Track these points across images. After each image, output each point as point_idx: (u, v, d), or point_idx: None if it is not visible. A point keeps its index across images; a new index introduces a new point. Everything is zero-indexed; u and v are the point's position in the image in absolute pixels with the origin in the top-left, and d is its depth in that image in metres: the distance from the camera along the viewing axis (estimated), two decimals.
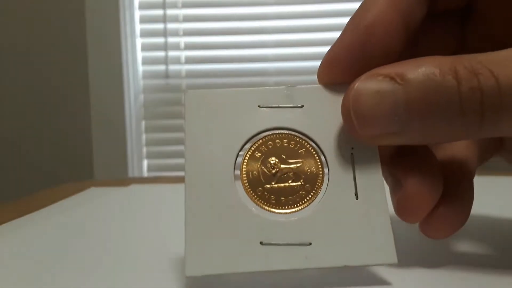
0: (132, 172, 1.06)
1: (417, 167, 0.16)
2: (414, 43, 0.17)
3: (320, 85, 0.16)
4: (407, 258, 0.17)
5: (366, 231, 0.14)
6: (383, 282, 0.15)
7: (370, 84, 0.14)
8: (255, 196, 0.15)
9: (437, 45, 0.18)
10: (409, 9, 0.15)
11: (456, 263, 0.17)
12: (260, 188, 0.15)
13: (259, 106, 0.15)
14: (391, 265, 0.15)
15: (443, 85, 0.13)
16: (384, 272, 0.16)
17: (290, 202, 0.15)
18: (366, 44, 0.15)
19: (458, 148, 0.18)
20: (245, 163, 0.15)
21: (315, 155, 0.15)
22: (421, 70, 0.13)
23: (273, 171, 0.15)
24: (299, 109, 0.15)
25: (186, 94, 0.15)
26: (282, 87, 0.16)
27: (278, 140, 0.15)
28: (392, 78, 0.13)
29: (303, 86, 0.16)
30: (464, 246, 0.19)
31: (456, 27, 0.18)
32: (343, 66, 0.15)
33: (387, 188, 0.16)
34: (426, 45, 0.18)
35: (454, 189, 0.16)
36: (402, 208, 0.15)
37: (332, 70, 0.16)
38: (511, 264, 0.17)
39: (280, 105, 0.15)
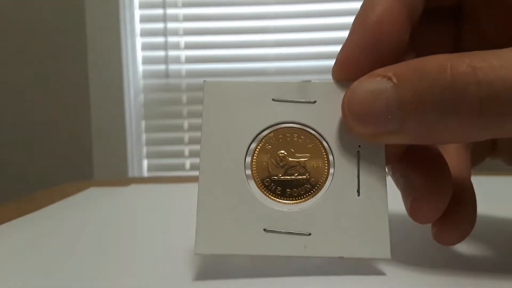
0: (132, 172, 1.06)
1: (429, 169, 0.16)
2: (413, 39, 0.17)
3: (333, 81, 0.16)
4: (402, 252, 0.17)
5: (363, 226, 0.15)
6: (378, 272, 0.16)
7: (365, 84, 0.14)
8: (263, 186, 0.16)
9: (434, 44, 0.18)
10: (412, 2, 0.15)
11: (452, 259, 0.17)
12: (268, 179, 0.16)
13: (273, 100, 0.16)
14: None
15: (436, 81, 0.13)
16: (380, 263, 0.16)
17: (295, 194, 0.16)
18: (376, 40, 0.15)
19: (450, 153, 0.18)
20: (256, 154, 0.16)
21: (323, 150, 0.16)
22: (418, 68, 0.13)
23: (281, 164, 0.16)
24: (312, 105, 0.16)
25: (205, 84, 0.16)
26: (297, 81, 0.16)
27: (288, 134, 0.16)
28: (389, 78, 0.14)
29: (317, 81, 0.16)
30: (463, 245, 0.19)
31: (451, 26, 0.18)
32: (356, 65, 0.15)
33: (388, 186, 0.16)
34: (423, 43, 0.18)
35: (459, 194, 0.16)
36: (415, 210, 0.16)
37: (346, 70, 0.16)
38: (508, 261, 0.17)
39: (293, 100, 0.16)
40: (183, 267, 0.17)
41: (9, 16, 1.02)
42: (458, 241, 0.16)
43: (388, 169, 0.18)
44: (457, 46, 0.18)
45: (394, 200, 0.17)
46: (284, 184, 0.16)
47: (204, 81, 0.16)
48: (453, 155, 0.18)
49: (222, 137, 0.16)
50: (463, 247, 0.18)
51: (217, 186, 0.15)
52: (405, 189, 0.16)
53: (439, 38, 0.18)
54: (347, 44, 0.16)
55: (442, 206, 0.15)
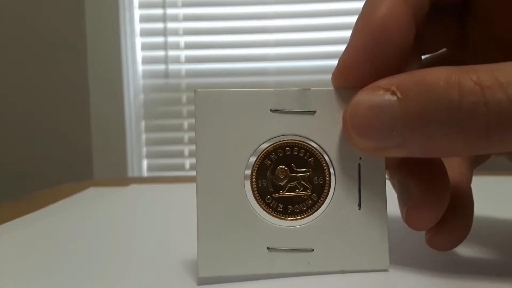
0: (132, 172, 1.06)
1: (427, 177, 0.15)
2: (418, 40, 0.16)
3: (333, 89, 0.15)
4: (402, 252, 0.17)
5: (364, 239, 0.15)
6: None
7: (368, 97, 0.14)
8: (264, 204, 0.15)
9: (436, 41, 0.18)
10: (418, 2, 0.15)
11: (452, 259, 0.17)
12: (269, 197, 0.15)
13: (271, 110, 0.15)
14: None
15: (443, 99, 0.12)
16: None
17: (297, 210, 0.16)
18: (380, 44, 0.14)
19: (451, 158, 0.18)
20: (255, 170, 0.15)
21: (324, 164, 0.16)
22: (423, 83, 0.13)
23: (281, 180, 0.15)
24: (311, 115, 0.15)
25: (196, 94, 0.15)
26: (296, 89, 0.15)
27: (288, 148, 0.15)
28: (392, 92, 0.13)
29: (317, 89, 0.15)
30: (462, 246, 0.19)
31: (455, 23, 0.18)
32: (358, 70, 0.15)
33: (388, 190, 0.16)
34: (425, 40, 0.17)
35: (456, 199, 0.16)
36: (411, 217, 0.15)
37: (348, 76, 0.15)
38: (508, 262, 0.17)
39: (293, 110, 0.15)
40: (183, 267, 0.17)
41: (9, 16, 1.02)
42: (451, 247, 0.16)
43: (386, 174, 0.18)
44: (460, 43, 0.18)
45: (395, 200, 0.17)
46: (286, 201, 0.15)
47: (195, 91, 0.15)
48: (454, 158, 0.18)
49: (219, 153, 0.15)
50: (463, 248, 0.18)
51: (217, 206, 0.15)
52: (402, 195, 0.16)
53: (442, 35, 0.18)
54: (349, 48, 0.15)
55: (438, 215, 0.15)
